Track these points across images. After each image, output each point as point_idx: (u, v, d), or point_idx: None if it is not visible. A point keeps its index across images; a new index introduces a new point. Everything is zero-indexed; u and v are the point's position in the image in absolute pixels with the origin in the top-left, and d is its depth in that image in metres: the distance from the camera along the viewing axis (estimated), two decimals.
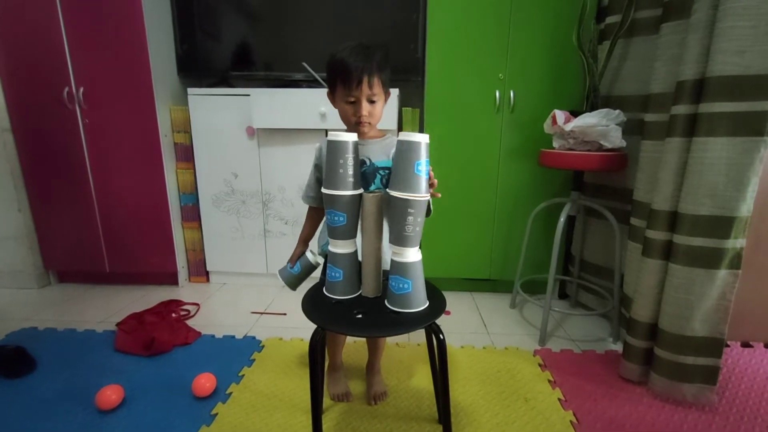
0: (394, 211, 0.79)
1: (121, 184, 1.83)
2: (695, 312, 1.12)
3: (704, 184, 1.06)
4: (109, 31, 1.68)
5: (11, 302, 1.80)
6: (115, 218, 1.88)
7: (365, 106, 0.90)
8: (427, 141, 0.78)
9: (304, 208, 1.08)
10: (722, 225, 1.06)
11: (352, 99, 0.90)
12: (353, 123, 0.93)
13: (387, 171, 0.93)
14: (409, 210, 0.76)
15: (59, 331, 1.54)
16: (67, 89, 1.73)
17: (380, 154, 0.95)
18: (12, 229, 1.87)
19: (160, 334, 1.42)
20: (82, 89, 1.73)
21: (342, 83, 0.89)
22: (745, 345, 1.49)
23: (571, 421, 1.10)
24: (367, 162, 0.94)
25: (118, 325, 1.50)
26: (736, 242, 1.07)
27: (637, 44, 1.43)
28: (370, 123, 0.93)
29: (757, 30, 0.97)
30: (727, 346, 1.45)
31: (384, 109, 0.95)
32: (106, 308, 1.74)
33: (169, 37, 1.86)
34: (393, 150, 0.91)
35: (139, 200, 1.85)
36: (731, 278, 1.09)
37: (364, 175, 0.93)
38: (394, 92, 1.64)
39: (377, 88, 0.89)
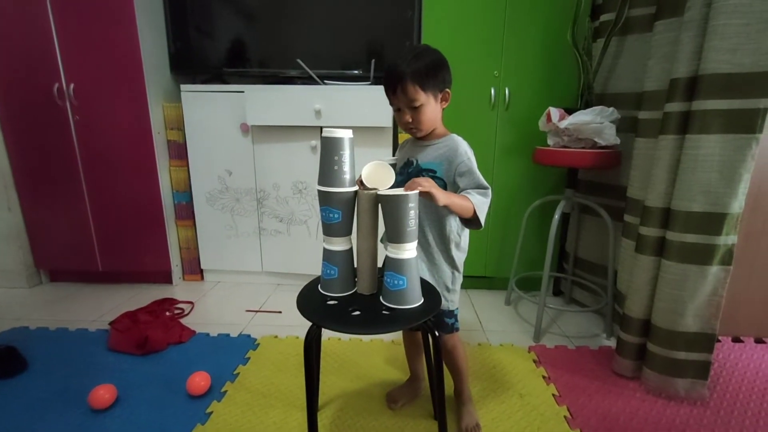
0: (396, 207, 0.79)
1: (113, 181, 1.81)
2: (687, 308, 1.13)
3: (697, 181, 1.07)
4: (100, 25, 1.65)
5: (2, 302, 1.77)
6: (108, 216, 1.86)
7: (407, 114, 0.90)
8: None
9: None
10: (714, 221, 1.07)
11: (396, 108, 0.91)
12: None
13: (432, 173, 0.93)
14: (410, 205, 0.77)
15: (51, 331, 1.52)
16: (57, 85, 1.70)
17: (430, 155, 0.95)
18: (2, 228, 1.85)
19: (154, 332, 1.41)
20: (72, 85, 1.70)
21: (386, 94, 0.91)
22: (736, 340, 1.50)
23: (565, 416, 1.11)
24: (414, 163, 0.96)
25: (111, 324, 1.49)
26: (728, 239, 1.08)
27: (631, 42, 1.44)
28: (418, 128, 0.92)
29: (749, 28, 0.97)
30: (719, 341, 1.47)
31: (433, 111, 0.91)
32: (99, 307, 1.73)
33: (162, 32, 1.84)
34: (445, 152, 0.92)
35: (132, 198, 1.83)
36: (723, 274, 1.10)
37: (410, 176, 0.93)
38: None
39: (416, 94, 0.87)
